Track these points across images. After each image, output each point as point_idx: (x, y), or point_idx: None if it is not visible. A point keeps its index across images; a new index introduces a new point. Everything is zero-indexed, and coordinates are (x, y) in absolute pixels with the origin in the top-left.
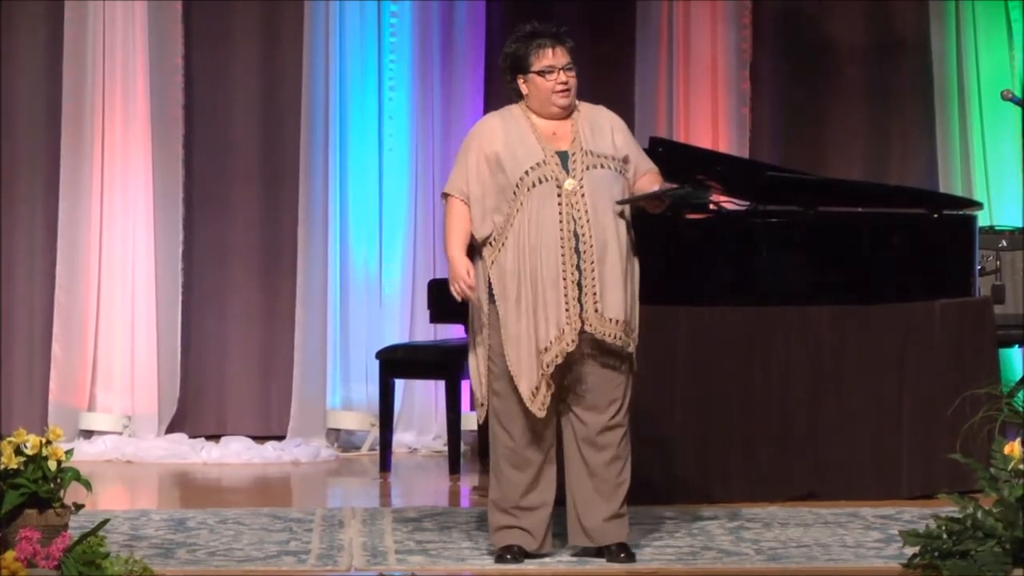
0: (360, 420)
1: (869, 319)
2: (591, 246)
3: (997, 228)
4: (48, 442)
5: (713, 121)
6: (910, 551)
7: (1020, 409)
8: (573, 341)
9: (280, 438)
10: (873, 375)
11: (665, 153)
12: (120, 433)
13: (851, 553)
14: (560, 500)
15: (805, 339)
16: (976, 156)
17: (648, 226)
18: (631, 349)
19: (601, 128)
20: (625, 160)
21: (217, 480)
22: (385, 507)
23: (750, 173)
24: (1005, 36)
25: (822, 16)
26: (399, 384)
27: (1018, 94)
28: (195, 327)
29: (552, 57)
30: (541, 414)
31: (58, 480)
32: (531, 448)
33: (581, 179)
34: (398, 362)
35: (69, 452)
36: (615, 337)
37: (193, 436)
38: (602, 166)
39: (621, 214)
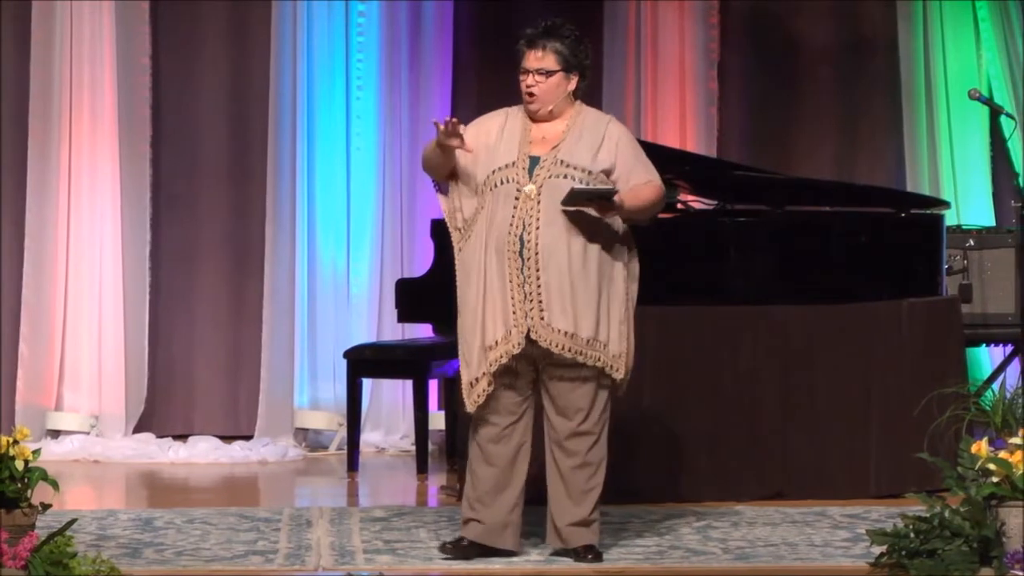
0: (328, 420)
1: (837, 318)
2: (536, 253)
3: (964, 227)
4: (15, 442)
5: (681, 120)
6: (877, 550)
7: (987, 408)
8: (519, 344)
9: (248, 438)
10: (841, 374)
11: None
12: (87, 433)
13: (818, 552)
14: (539, 500)
15: (773, 338)
16: (943, 155)
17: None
18: (598, 363)
19: (590, 139)
20: (607, 173)
21: (184, 480)
22: (353, 507)
23: (718, 172)
24: (972, 36)
25: (790, 16)
26: (367, 383)
27: (985, 93)
28: (162, 327)
29: (525, 59)
30: (471, 409)
31: (25, 480)
32: (498, 445)
33: (541, 186)
34: (366, 361)
35: (36, 452)
36: (563, 348)
37: (160, 436)
38: (567, 176)
39: (600, 230)
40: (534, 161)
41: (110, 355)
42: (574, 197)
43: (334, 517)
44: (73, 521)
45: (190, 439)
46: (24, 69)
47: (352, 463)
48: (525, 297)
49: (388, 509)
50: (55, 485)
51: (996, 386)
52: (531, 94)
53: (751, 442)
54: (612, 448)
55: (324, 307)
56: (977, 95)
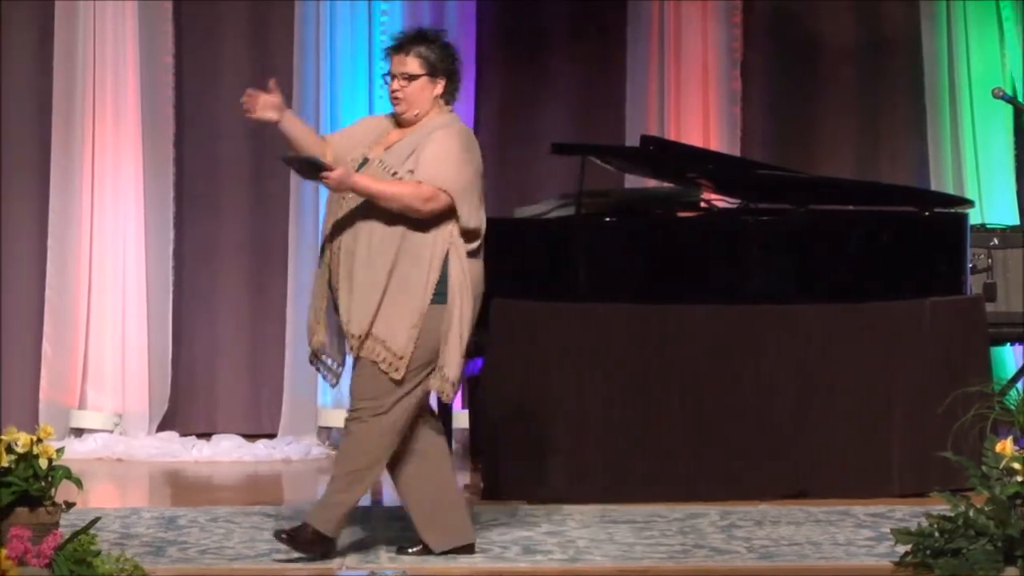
0: None
1: (860, 317)
2: (338, 248)
3: (988, 226)
4: (39, 440)
5: (704, 120)
6: (902, 549)
7: (1012, 407)
8: (311, 337)
9: (271, 436)
10: (864, 373)
11: (656, 151)
12: (111, 431)
13: (842, 551)
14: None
15: (795, 337)
16: (967, 154)
17: (639, 223)
18: (375, 358)
19: (415, 143)
20: (412, 174)
21: (208, 478)
22: (376, 505)
23: (741, 171)
24: (996, 35)
25: (813, 15)
26: None
27: (1009, 92)
28: (186, 325)
29: (391, 63)
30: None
31: (49, 478)
32: None
33: None
34: None
35: (60, 450)
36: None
37: (184, 434)
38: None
39: (409, 240)
40: (365, 163)
41: (133, 354)
42: (289, 163)
43: (357, 516)
44: (97, 519)
45: (213, 437)
46: (47, 69)
47: None
48: (325, 296)
49: None
50: (79, 483)
51: (1021, 385)
52: (396, 98)
53: (774, 441)
54: (633, 446)
55: None
56: (1001, 94)
